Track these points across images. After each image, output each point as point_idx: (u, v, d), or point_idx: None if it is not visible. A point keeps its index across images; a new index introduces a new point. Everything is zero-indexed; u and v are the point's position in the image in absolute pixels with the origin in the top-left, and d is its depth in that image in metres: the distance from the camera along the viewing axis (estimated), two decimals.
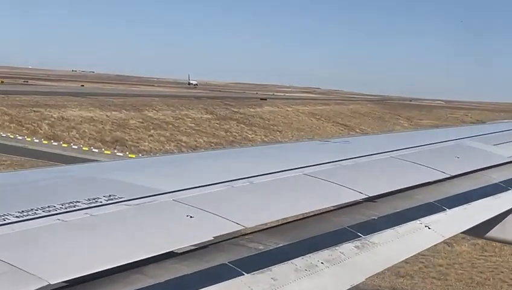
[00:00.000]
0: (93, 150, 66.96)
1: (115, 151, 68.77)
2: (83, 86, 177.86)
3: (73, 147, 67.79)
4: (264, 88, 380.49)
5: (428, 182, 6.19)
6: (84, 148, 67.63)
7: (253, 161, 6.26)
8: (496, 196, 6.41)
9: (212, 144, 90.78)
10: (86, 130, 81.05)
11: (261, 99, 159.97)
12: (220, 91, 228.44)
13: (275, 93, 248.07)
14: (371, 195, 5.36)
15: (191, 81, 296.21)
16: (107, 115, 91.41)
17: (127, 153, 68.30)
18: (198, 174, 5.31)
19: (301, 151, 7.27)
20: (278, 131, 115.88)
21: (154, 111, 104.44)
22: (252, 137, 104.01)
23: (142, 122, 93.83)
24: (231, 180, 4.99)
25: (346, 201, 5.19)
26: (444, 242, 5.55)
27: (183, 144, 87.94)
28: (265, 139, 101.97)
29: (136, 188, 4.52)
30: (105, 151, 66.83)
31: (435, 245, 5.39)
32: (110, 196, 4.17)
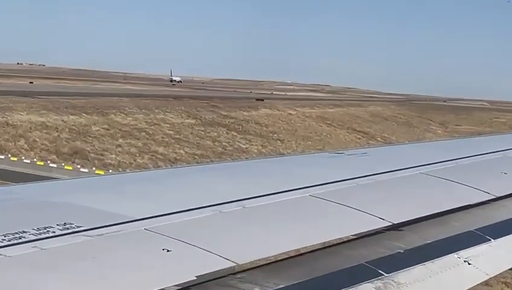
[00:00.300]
0: (51, 164, 66.71)
1: (78, 166, 68.64)
2: (31, 83, 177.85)
3: (25, 161, 67.57)
4: (260, 85, 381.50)
5: (468, 205, 6.14)
6: (39, 163, 67.43)
7: (247, 179, 6.28)
8: None
9: (196, 157, 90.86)
10: (37, 139, 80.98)
11: (257, 100, 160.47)
12: (204, 89, 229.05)
13: (274, 92, 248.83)
14: (395, 222, 5.31)
15: (173, 78, 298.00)
16: (63, 120, 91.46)
17: (93, 168, 68.13)
18: (178, 196, 5.30)
19: (307, 166, 7.26)
20: (278, 140, 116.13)
21: (122, 115, 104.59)
22: (247, 148, 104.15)
23: (108, 129, 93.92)
24: (219, 204, 4.96)
25: (365, 230, 5.16)
26: (485, 283, 5.63)
27: (159, 156, 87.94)
28: (263, 151, 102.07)
29: (98, 214, 4.50)
30: (66, 167, 66.64)
31: (476, 285, 5.23)
32: (65, 224, 4.13)
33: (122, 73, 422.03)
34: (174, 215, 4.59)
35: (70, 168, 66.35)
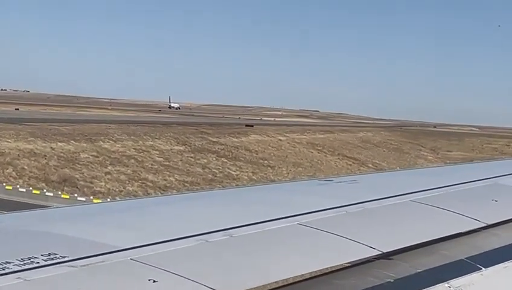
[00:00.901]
0: (47, 193, 66.37)
1: (75, 195, 68.37)
2: (17, 109, 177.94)
3: (21, 190, 67.19)
4: (248, 111, 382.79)
5: (459, 233, 6.12)
6: (35, 192, 67.07)
7: (234, 207, 6.24)
8: None
9: (187, 184, 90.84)
10: (26, 167, 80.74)
11: (247, 125, 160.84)
12: (192, 115, 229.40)
13: (263, 118, 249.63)
14: (385, 251, 5.27)
15: (172, 104, 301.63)
16: (51, 147, 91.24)
17: (91, 197, 67.86)
18: (165, 225, 5.28)
19: (296, 194, 7.20)
20: (269, 166, 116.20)
21: (111, 142, 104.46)
22: (237, 175, 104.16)
23: (97, 156, 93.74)
24: (205, 233, 4.93)
25: (354, 259, 5.11)
26: None
27: (149, 183, 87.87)
28: (254, 178, 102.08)
29: (83, 243, 4.49)
30: (63, 196, 66.28)
31: None
32: (49, 254, 4.13)
33: (108, 99, 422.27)
34: (160, 244, 4.56)
35: (67, 197, 66.07)
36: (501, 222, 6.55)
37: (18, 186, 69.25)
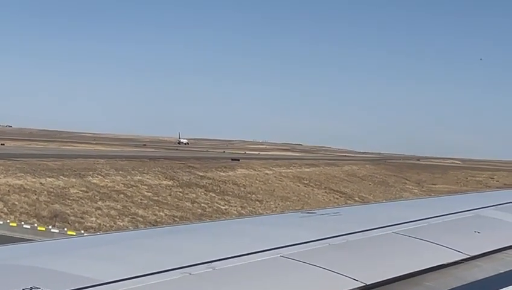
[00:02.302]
0: (53, 230, 66.17)
1: (82, 231, 68.17)
2: (3, 144, 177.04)
3: (25, 226, 66.92)
4: (231, 145, 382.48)
5: (441, 265, 6.13)
6: (40, 228, 66.87)
7: (218, 240, 6.28)
8: None
9: (177, 219, 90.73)
10: (16, 203, 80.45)
11: (233, 159, 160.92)
12: (177, 149, 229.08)
13: (247, 152, 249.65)
14: (368, 283, 5.27)
15: (181, 140, 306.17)
16: (41, 183, 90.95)
17: (99, 233, 67.68)
18: (148, 258, 5.34)
19: (279, 227, 7.24)
20: (257, 201, 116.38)
21: (100, 177, 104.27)
22: (226, 209, 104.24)
23: (86, 192, 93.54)
24: (188, 266, 4.98)
25: None
26: None
27: (139, 218, 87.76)
28: (243, 212, 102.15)
29: (66, 277, 4.52)
30: (69, 232, 65.93)
31: None
32: (31, 288, 4.17)
33: (90, 133, 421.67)
34: (143, 277, 4.58)
35: (73, 233, 65.78)
36: (483, 253, 6.57)
37: (22, 223, 69.06)
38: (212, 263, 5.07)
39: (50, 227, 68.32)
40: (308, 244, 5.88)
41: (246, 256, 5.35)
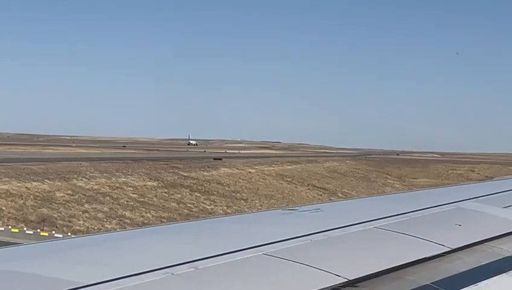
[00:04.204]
0: (56, 235, 66.09)
1: (70, 234, 68.04)
2: None
3: (28, 232, 66.63)
4: (210, 144, 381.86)
5: (423, 258, 6.14)
6: (43, 233, 66.90)
7: (200, 239, 6.25)
8: (510, 272, 6.34)
9: (164, 219, 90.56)
10: (3, 208, 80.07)
11: (215, 159, 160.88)
12: (157, 150, 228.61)
13: (227, 151, 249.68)
14: (350, 278, 5.29)
15: (190, 141, 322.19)
16: (26, 187, 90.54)
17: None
18: (131, 259, 5.34)
19: (261, 225, 7.24)
20: (242, 199, 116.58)
21: (85, 179, 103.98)
22: (212, 209, 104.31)
23: (72, 195, 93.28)
24: (171, 266, 4.97)
25: (320, 287, 5.09)
26: None
27: (127, 220, 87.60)
28: (229, 211, 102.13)
29: (47, 281, 4.56)
30: (73, 237, 65.81)
31: None
32: None
33: (68, 136, 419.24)
34: (126, 279, 4.57)
35: (47, 234, 65.74)
36: (465, 246, 6.60)
37: (25, 228, 68.84)
38: (195, 263, 5.06)
39: (53, 232, 68.50)
40: (290, 241, 5.86)
41: (228, 254, 5.35)
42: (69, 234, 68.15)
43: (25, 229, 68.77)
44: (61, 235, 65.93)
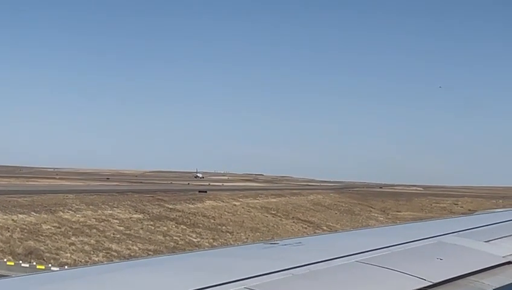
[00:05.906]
0: (52, 268, 65.97)
1: (49, 265, 67.90)
2: None
3: (23, 265, 66.51)
4: (193, 177, 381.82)
5: None
6: (39, 267, 66.86)
7: (181, 273, 6.28)
8: None
9: (150, 252, 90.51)
10: None
11: (200, 191, 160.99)
12: (141, 182, 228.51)
13: (211, 183, 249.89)
14: None
15: (198, 174, 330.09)
16: (13, 220, 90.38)
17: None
18: None
19: (242, 258, 7.21)
20: (228, 232, 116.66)
21: (71, 212, 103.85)
22: (198, 241, 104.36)
23: (59, 227, 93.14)
24: None
25: None
26: None
27: (113, 253, 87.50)
28: (215, 244, 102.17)
29: None
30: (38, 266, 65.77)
31: None
32: None
33: (51, 168, 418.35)
34: None
35: (43, 267, 65.70)
36: (446, 280, 6.61)
37: (20, 261, 68.72)
38: None
39: (50, 265, 68.53)
40: (271, 275, 5.85)
41: (210, 288, 5.35)
42: (66, 267, 68.12)
43: (20, 262, 68.61)
44: (57, 269, 66.02)
